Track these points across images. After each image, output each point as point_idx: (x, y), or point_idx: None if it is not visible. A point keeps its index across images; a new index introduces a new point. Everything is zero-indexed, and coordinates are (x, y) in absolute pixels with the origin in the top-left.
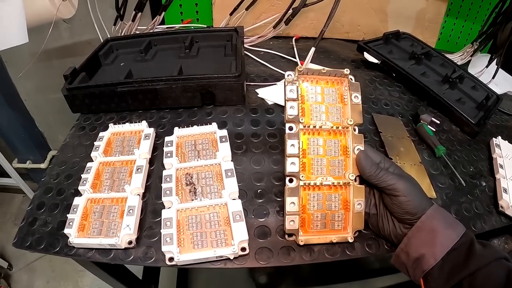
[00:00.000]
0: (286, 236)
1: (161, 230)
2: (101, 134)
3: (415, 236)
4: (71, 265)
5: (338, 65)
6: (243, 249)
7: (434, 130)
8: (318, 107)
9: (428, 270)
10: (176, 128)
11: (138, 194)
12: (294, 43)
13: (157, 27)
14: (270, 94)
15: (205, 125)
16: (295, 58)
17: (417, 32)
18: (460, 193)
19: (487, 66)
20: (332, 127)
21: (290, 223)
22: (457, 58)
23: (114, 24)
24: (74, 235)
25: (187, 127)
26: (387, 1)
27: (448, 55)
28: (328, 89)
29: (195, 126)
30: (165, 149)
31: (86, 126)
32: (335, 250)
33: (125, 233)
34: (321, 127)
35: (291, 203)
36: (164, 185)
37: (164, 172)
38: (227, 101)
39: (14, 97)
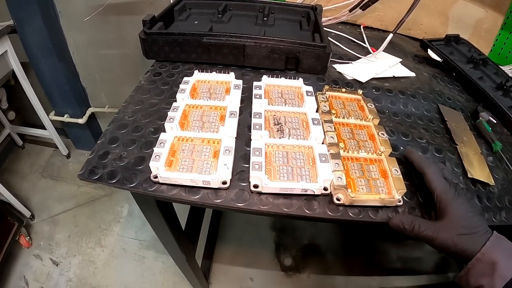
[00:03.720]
0: (335, 198)
1: (251, 158)
2: (185, 78)
3: (474, 266)
4: (95, 223)
5: (403, 57)
6: (325, 188)
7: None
8: (343, 109)
9: None
10: (264, 76)
11: (232, 137)
12: (362, 30)
13: None
14: (348, 69)
15: None
16: (364, 43)
17: (473, 40)
18: None
19: None
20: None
21: (338, 179)
22: (507, 69)
23: None
24: (162, 168)
25: None
26: (450, 5)
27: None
28: (349, 102)
29: (282, 78)
30: (254, 91)
31: (162, 72)
32: (381, 215)
33: (222, 171)
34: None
35: (335, 164)
36: (254, 120)
37: (254, 110)
38: (310, 69)
39: (63, 48)
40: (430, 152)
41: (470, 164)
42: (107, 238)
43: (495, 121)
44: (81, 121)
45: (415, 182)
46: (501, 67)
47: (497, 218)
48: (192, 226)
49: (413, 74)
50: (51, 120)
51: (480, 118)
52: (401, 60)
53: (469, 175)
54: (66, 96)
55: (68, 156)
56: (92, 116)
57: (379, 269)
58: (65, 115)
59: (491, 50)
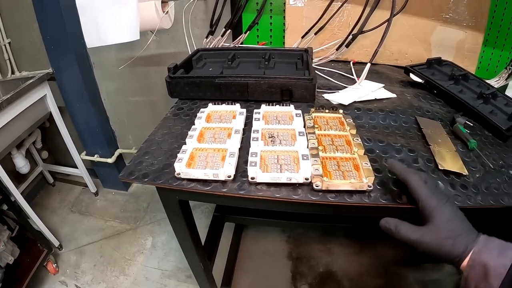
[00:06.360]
0: (314, 185)
1: (249, 159)
2: (202, 109)
3: (469, 274)
4: (120, 254)
5: (388, 83)
6: (306, 178)
7: (468, 131)
8: (326, 124)
9: None
10: (263, 105)
11: (236, 145)
12: (352, 65)
13: (237, 45)
14: (334, 97)
15: None
16: (352, 75)
17: (458, 60)
18: (489, 176)
19: None
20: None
21: (316, 170)
22: (493, 82)
23: (206, 37)
24: (183, 166)
25: None
26: (430, 32)
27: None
28: (332, 120)
29: (277, 105)
30: (255, 115)
31: (184, 107)
32: (355, 198)
33: (227, 167)
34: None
35: (314, 160)
36: (253, 135)
37: (253, 128)
38: (301, 98)
39: (96, 95)
40: (404, 153)
41: (442, 159)
42: (131, 267)
43: (472, 124)
44: (110, 160)
45: (387, 175)
46: (488, 81)
47: (471, 201)
48: (209, 244)
49: (394, 95)
50: (82, 160)
51: (457, 123)
52: (384, 85)
53: (440, 167)
54: (97, 138)
55: (96, 193)
56: (120, 157)
57: None
58: (95, 155)
59: (478, 68)
